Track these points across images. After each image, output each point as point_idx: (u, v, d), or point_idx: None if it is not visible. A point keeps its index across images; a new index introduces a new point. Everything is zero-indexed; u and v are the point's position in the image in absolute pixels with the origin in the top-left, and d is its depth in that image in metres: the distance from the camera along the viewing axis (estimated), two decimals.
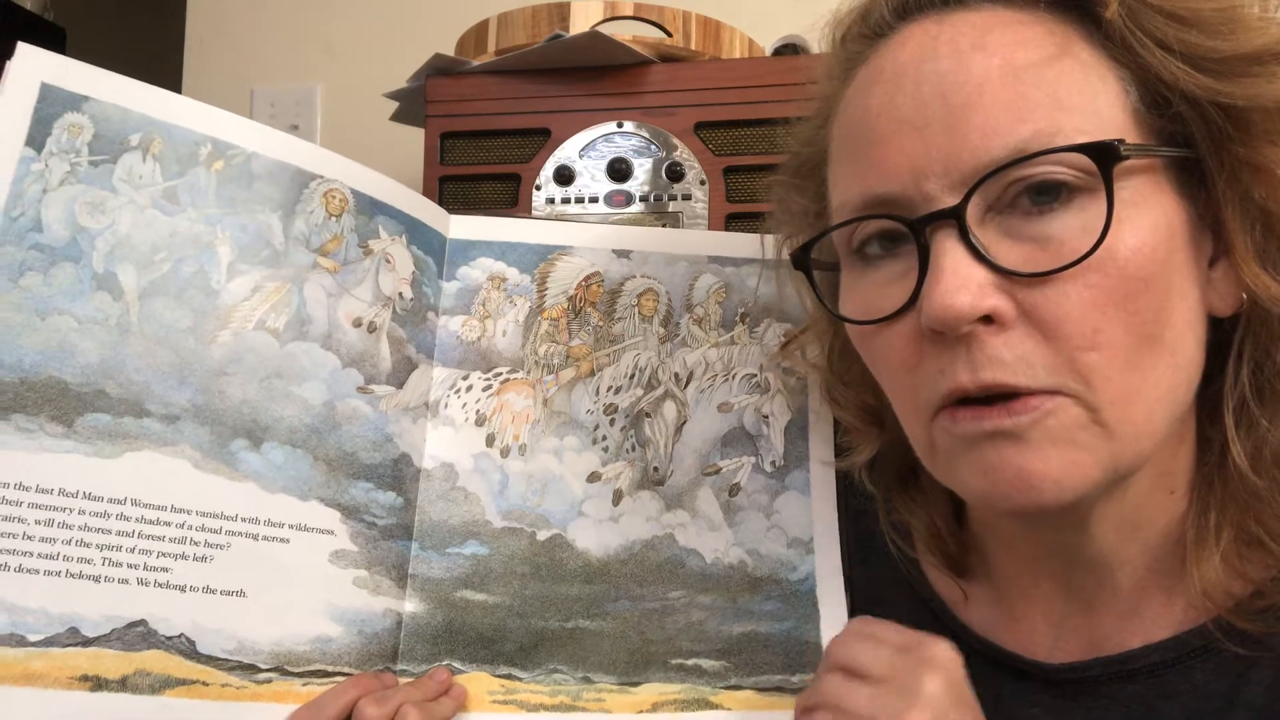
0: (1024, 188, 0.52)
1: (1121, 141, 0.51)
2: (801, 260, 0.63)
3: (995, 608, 0.67)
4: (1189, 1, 0.53)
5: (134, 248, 0.60)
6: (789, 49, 1.18)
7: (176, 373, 0.61)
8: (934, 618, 0.68)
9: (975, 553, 0.68)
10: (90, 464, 0.58)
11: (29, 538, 0.56)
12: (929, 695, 0.54)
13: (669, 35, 1.17)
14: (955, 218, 0.52)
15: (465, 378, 0.72)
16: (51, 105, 0.58)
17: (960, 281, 0.51)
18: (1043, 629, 0.64)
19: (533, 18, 1.17)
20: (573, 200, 1.17)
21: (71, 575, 0.56)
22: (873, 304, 0.57)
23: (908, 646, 0.58)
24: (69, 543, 0.57)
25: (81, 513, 0.57)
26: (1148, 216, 0.53)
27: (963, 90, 0.53)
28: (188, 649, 0.58)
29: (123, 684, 0.56)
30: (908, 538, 0.71)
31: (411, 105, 1.26)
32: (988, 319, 0.52)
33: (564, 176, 1.16)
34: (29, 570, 0.56)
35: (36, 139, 0.58)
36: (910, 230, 0.54)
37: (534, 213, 1.17)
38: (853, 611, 0.71)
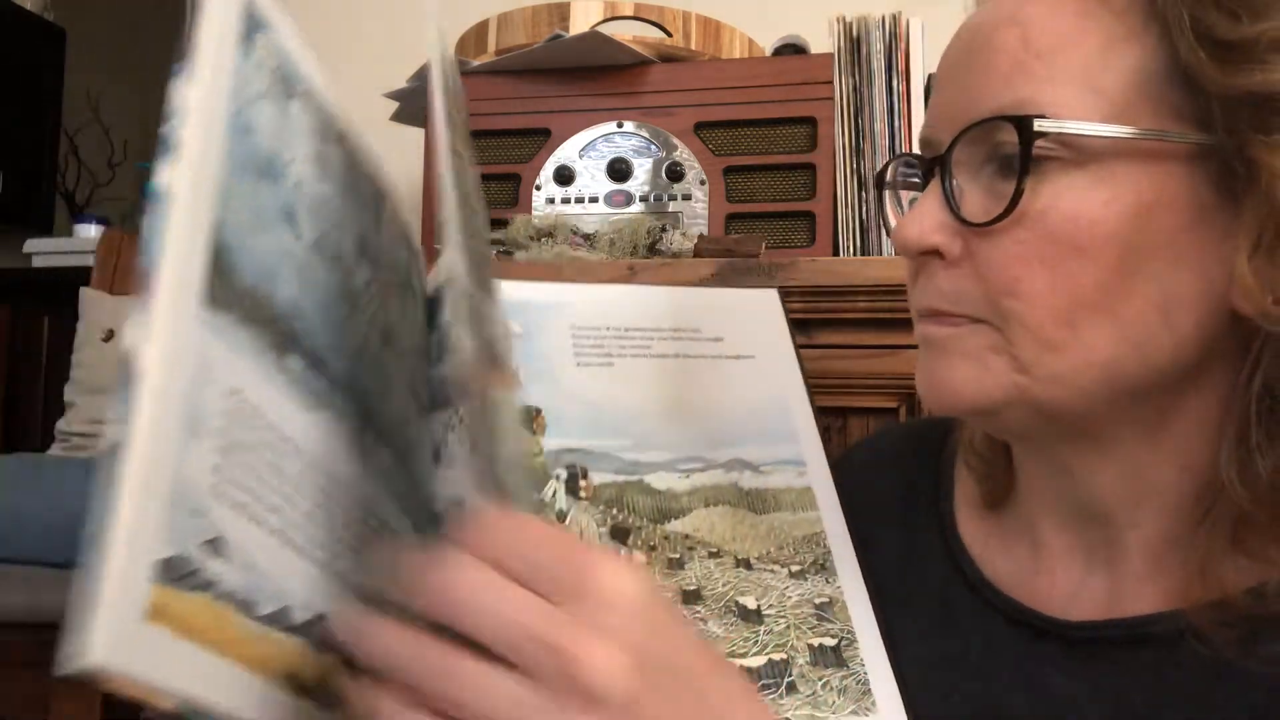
0: (1000, 151, 0.56)
1: (1042, 116, 0.54)
2: (878, 180, 0.69)
3: (1021, 561, 0.67)
4: None
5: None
6: (789, 49, 1.18)
7: None
8: (960, 572, 0.70)
9: (1015, 499, 0.70)
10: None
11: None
12: (601, 686, 0.37)
13: (669, 35, 1.17)
14: (941, 164, 0.58)
15: None
16: (252, 18, 0.47)
17: (917, 218, 0.59)
18: (1063, 583, 0.65)
19: (533, 18, 1.17)
20: (573, 200, 1.17)
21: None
22: None
23: (563, 589, 0.38)
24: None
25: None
26: (1106, 191, 0.54)
27: (982, 56, 0.58)
28: None
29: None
30: (949, 493, 0.74)
31: (411, 105, 1.26)
32: (939, 255, 0.58)
33: (564, 176, 1.16)
34: (276, 532, 0.43)
35: (246, 39, 0.46)
36: (920, 168, 0.62)
37: (534, 212, 1.17)
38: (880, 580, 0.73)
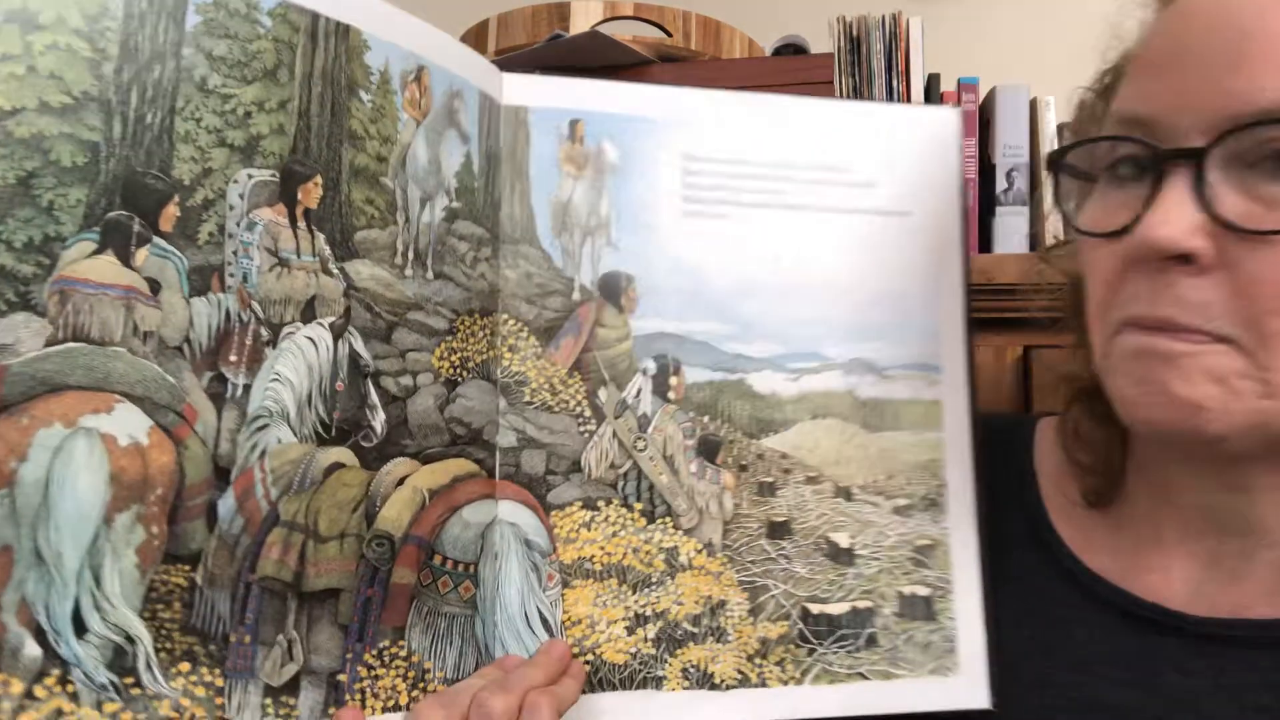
0: (1272, 149, 0.52)
1: None
2: (1054, 162, 0.61)
3: (1125, 558, 0.64)
4: None
5: None
6: (789, 49, 1.17)
7: None
8: (1055, 563, 0.65)
9: (1125, 496, 0.66)
10: None
11: None
12: None
13: (669, 35, 1.15)
14: (1195, 159, 0.53)
15: None
16: None
17: (1173, 216, 0.52)
18: (1179, 582, 0.62)
19: (533, 18, 1.14)
20: None
21: None
22: (1103, 219, 0.57)
23: None
24: None
25: None
26: None
27: (1248, 40, 0.52)
28: None
29: None
30: (1033, 484, 0.70)
31: None
32: (1186, 259, 0.53)
33: None
34: None
35: None
36: (1154, 158, 0.55)
37: None
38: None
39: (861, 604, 0.62)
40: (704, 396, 0.61)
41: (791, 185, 0.64)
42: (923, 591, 0.63)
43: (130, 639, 0.45)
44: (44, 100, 0.42)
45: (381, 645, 0.52)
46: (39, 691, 0.43)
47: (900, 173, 0.66)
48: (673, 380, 0.61)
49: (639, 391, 0.60)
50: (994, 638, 0.62)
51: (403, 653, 0.52)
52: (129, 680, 0.45)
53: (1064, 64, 0.76)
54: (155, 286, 0.44)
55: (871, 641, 0.61)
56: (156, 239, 0.44)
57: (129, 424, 0.44)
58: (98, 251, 0.43)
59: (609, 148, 0.61)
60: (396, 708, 0.52)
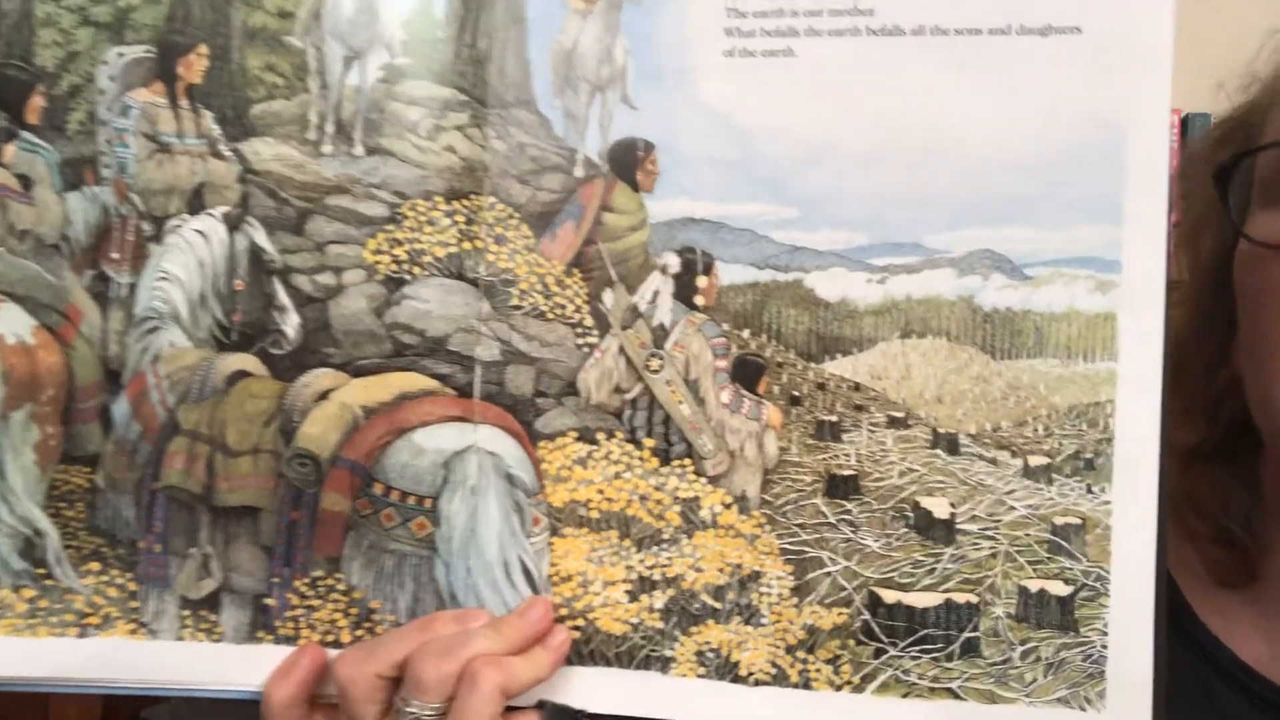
0: None
1: None
2: (1224, 173, 0.52)
3: (1274, 643, 0.57)
4: None
5: None
6: None
7: None
8: (1198, 647, 0.57)
9: (1271, 573, 0.58)
10: None
11: None
12: None
13: None
14: None
15: None
16: None
17: None
18: None
19: None
20: None
21: None
22: None
23: None
24: None
25: None
26: None
27: None
28: None
29: None
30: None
31: None
32: None
33: None
34: None
35: None
36: None
37: None
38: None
39: (961, 597, 0.46)
40: (744, 303, 0.47)
41: (887, 1, 0.45)
42: (1059, 589, 0.46)
43: (38, 532, 0.47)
44: None
45: (315, 574, 0.48)
46: None
47: None
48: (701, 281, 0.47)
49: (655, 295, 0.47)
50: (1164, 667, 0.45)
51: (340, 586, 0.48)
52: (41, 571, 0.48)
53: None
54: (27, 182, 0.44)
55: (970, 649, 0.46)
56: (23, 133, 0.44)
57: (14, 323, 0.45)
58: None
59: None
60: (338, 644, 0.48)
